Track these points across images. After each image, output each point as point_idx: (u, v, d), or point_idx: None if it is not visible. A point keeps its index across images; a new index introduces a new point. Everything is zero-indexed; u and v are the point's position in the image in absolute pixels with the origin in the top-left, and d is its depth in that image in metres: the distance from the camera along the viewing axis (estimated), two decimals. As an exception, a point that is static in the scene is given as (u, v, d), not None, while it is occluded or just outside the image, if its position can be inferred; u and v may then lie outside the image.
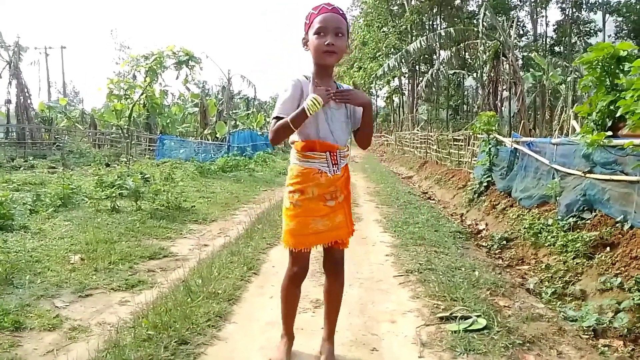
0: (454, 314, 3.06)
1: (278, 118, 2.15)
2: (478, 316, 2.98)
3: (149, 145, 23.09)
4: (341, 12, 2.19)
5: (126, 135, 16.04)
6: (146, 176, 9.02)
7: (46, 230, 5.49)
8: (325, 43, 2.12)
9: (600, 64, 5.07)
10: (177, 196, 7.68)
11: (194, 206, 7.74)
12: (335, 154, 2.24)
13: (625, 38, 33.55)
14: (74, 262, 4.34)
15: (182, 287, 3.54)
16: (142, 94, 15.36)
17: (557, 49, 37.20)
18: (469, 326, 2.86)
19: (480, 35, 17.65)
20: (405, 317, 3.18)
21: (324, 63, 2.20)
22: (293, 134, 2.22)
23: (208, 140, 23.62)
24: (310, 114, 2.07)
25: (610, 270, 4.07)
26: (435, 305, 3.29)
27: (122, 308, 3.34)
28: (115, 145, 23.52)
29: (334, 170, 2.25)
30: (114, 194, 7.03)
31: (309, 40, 2.19)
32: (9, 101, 23.90)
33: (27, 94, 23.88)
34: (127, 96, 15.47)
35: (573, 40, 35.30)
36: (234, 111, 30.43)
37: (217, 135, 23.26)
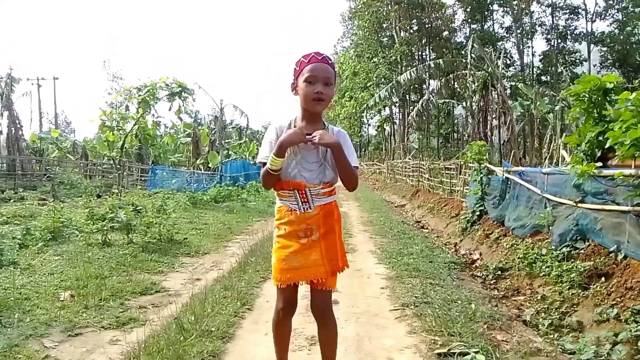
0: (452, 350, 3.02)
1: (263, 163, 2.28)
2: (476, 352, 2.94)
3: (140, 176, 23.01)
4: (330, 61, 2.29)
5: (118, 166, 15.99)
6: (138, 208, 8.95)
7: (36, 266, 5.40)
8: (315, 91, 2.22)
9: (587, 95, 5.18)
10: (169, 228, 7.61)
11: (186, 238, 7.66)
12: (304, 192, 2.27)
13: (610, 67, 34.35)
14: (64, 299, 4.25)
15: (175, 325, 3.46)
16: (134, 125, 15.40)
17: (544, 78, 37.89)
18: (468, 363, 2.82)
19: (469, 66, 18.00)
20: (402, 353, 3.13)
21: (312, 110, 2.30)
22: None
23: (200, 170, 23.60)
24: (271, 165, 2.19)
25: (606, 300, 4.06)
26: (432, 341, 3.24)
27: (112, 348, 3.26)
28: (107, 176, 23.44)
29: (304, 207, 2.28)
30: (105, 227, 6.95)
31: (298, 87, 2.28)
32: (-1, 132, 23.86)
33: (18, 125, 23.87)
34: (120, 127, 15.50)
35: (559, 70, 36.06)
36: (227, 141, 30.57)
37: (210, 165, 23.24)
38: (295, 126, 2.33)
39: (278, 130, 2.31)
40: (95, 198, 13.27)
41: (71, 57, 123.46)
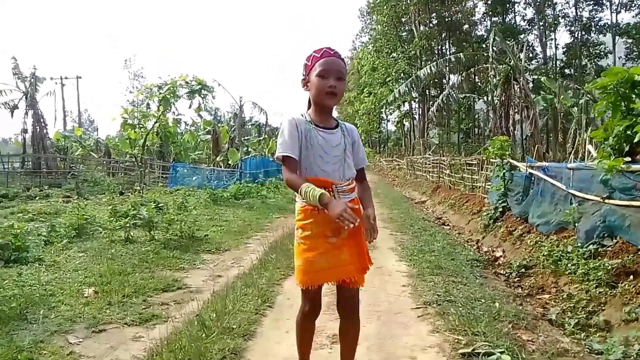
0: (476, 350, 2.96)
1: (284, 157, 2.19)
2: (502, 352, 2.88)
3: (162, 173, 23.30)
4: (341, 57, 2.29)
5: (140, 163, 16.18)
6: (159, 205, 9.05)
7: (60, 262, 5.49)
8: (328, 86, 2.20)
9: (614, 88, 5.03)
10: (190, 225, 7.67)
11: (207, 235, 7.71)
12: (331, 189, 2.21)
13: (636, 60, 33.45)
14: (88, 295, 4.32)
15: (196, 322, 3.48)
16: (155, 123, 15.56)
17: (567, 71, 37.11)
18: (493, 363, 2.76)
19: (490, 59, 17.71)
20: (425, 353, 3.08)
21: (325, 104, 2.27)
22: None
23: (220, 167, 23.76)
24: (310, 201, 2.10)
25: (634, 299, 3.95)
26: (456, 340, 3.19)
27: (135, 344, 3.29)
28: (129, 173, 23.77)
29: None
30: (127, 224, 7.04)
31: (310, 81, 2.26)
32: (25, 131, 24.39)
33: (43, 124, 24.40)
34: (141, 125, 15.69)
35: (583, 63, 35.30)
36: (246, 138, 30.70)
37: (229, 162, 23.40)
38: (311, 119, 2.29)
39: (294, 123, 2.24)
40: (118, 195, 13.48)
41: (94, 56, 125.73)
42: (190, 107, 14.71)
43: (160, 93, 14.07)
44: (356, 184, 2.41)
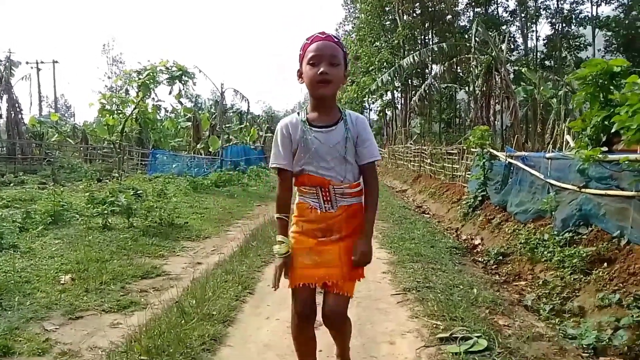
0: (454, 335, 3.00)
1: (277, 169, 2.10)
2: (479, 337, 2.93)
3: (141, 160, 22.98)
4: (336, 40, 2.05)
5: (118, 150, 15.95)
6: (138, 192, 8.93)
7: (36, 249, 5.39)
8: (319, 72, 1.96)
9: (593, 79, 5.10)
10: (170, 212, 7.60)
11: (187, 222, 7.66)
12: (327, 189, 2.05)
13: (614, 52, 33.98)
14: (65, 282, 4.25)
15: (176, 309, 3.45)
16: (134, 109, 15.33)
17: (547, 63, 37.54)
18: (470, 347, 2.81)
19: (472, 50, 17.81)
20: (404, 338, 3.12)
21: (318, 94, 2.03)
22: (295, 167, 2.12)
23: (201, 154, 23.55)
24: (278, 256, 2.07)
25: (608, 286, 4.04)
26: (434, 326, 3.23)
27: (113, 331, 3.25)
28: (107, 160, 23.41)
29: (325, 207, 2.07)
30: (105, 211, 6.93)
31: (303, 72, 2.05)
32: (-1, 116, 23.78)
33: (18, 109, 23.79)
34: (120, 111, 15.44)
35: (563, 55, 35.74)
36: (227, 125, 30.46)
37: (210, 150, 23.20)
38: (306, 119, 2.07)
39: (285, 130, 2.07)
40: (96, 182, 13.25)
41: (71, 41, 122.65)
42: (170, 93, 14.56)
43: (139, 79, 13.85)
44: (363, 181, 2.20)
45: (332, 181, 2.05)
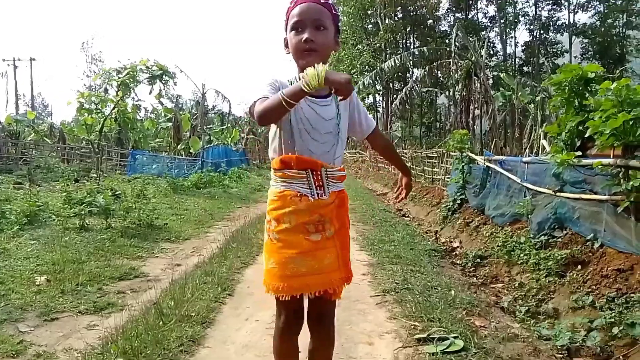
0: (431, 335, 3.04)
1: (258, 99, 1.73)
2: (455, 337, 2.97)
3: (120, 160, 22.67)
4: (324, 1, 1.79)
5: (97, 150, 15.70)
6: (117, 193, 8.82)
7: (11, 250, 5.27)
8: (303, 40, 1.73)
9: (568, 85, 5.22)
10: (149, 214, 7.51)
11: (167, 224, 7.58)
12: (319, 173, 1.79)
13: (590, 59, 34.85)
14: (40, 283, 4.17)
15: (154, 310, 3.42)
16: (113, 108, 15.13)
17: (525, 68, 38.30)
18: (447, 348, 2.85)
19: (452, 54, 18.05)
20: (382, 338, 3.15)
21: (304, 64, 1.73)
22: (270, 150, 1.88)
23: (181, 155, 23.33)
24: (310, 88, 1.55)
25: (581, 288, 4.14)
26: (412, 327, 3.27)
27: (90, 333, 3.20)
28: (85, 160, 23.00)
29: (317, 193, 1.79)
30: (82, 212, 6.82)
31: (288, 39, 1.81)
32: (-26, 114, 23.19)
33: (-7, 107, 23.25)
34: (98, 110, 15.23)
35: (541, 61, 36.53)
36: (209, 126, 30.23)
37: (191, 151, 23.00)
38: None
39: (278, 82, 1.79)
40: (73, 182, 13.02)
41: (49, 38, 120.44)
42: (150, 93, 14.41)
43: (119, 77, 13.68)
44: (377, 150, 2.12)
45: (324, 162, 1.80)
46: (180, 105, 46.05)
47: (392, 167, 20.01)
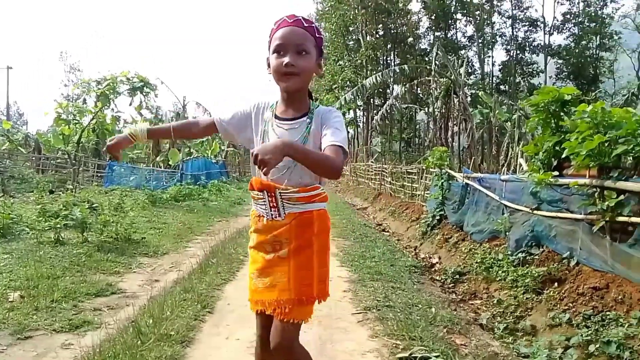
0: (413, 355, 3.05)
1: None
2: (437, 356, 2.98)
3: (97, 172, 22.28)
4: (306, 24, 1.79)
5: (73, 161, 15.44)
6: (94, 205, 8.66)
7: (-18, 264, 5.12)
8: (284, 64, 1.75)
9: (546, 106, 5.36)
10: (126, 227, 7.38)
11: (145, 238, 7.46)
12: (273, 194, 1.80)
13: (565, 79, 35.89)
14: (13, 299, 4.04)
15: (132, 328, 3.35)
16: (92, 119, 14.93)
17: (502, 87, 39.18)
18: (429, 367, 2.86)
19: (432, 72, 18.36)
20: (364, 357, 3.14)
21: (283, 87, 1.82)
22: None
23: (160, 167, 23.07)
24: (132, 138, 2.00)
25: (558, 305, 4.21)
26: (394, 345, 3.27)
27: (65, 352, 3.12)
28: (61, 171, 22.55)
29: (272, 214, 1.82)
30: (58, 225, 6.67)
31: (270, 61, 1.83)
32: (-54, 122, 22.60)
33: (-34, 116, 22.70)
34: (77, 121, 15.01)
35: (517, 80, 37.44)
36: (188, 138, 29.98)
37: (170, 163, 22.78)
38: (274, 113, 1.88)
39: (255, 108, 1.91)
40: (48, 194, 12.74)
41: (26, 46, 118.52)
42: (131, 104, 14.28)
43: (99, 88, 13.54)
44: None
45: (278, 184, 1.79)
46: (160, 117, 45.61)
47: (372, 181, 20.16)
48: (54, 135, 20.07)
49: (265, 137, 1.85)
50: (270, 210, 1.83)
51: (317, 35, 1.83)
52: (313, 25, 1.83)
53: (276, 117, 1.86)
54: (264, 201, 1.84)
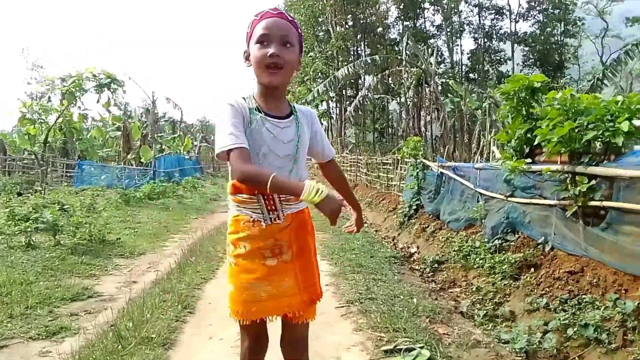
0: (398, 347, 3.07)
1: (234, 150, 1.63)
2: (421, 347, 3.01)
3: (66, 171, 21.71)
4: (290, 18, 1.77)
5: (41, 161, 14.99)
6: (65, 207, 8.43)
7: (-51, 273, 4.93)
8: (269, 54, 1.69)
9: (516, 94, 5.44)
10: (100, 228, 7.22)
11: (120, 239, 7.31)
12: (271, 197, 1.73)
13: (532, 66, 36.54)
14: (-16, 309, 3.91)
15: (111, 333, 3.28)
16: (58, 118, 14.52)
17: (472, 75, 39.66)
18: (414, 359, 2.88)
19: (403, 63, 18.44)
20: (350, 352, 3.15)
21: (266, 81, 1.74)
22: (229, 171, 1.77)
23: (132, 165, 22.62)
24: (303, 198, 1.56)
25: (535, 290, 4.30)
26: (378, 338, 3.29)
27: (43, 361, 3.04)
28: (28, 172, 21.89)
29: (271, 218, 1.75)
30: (28, 228, 6.47)
31: (251, 53, 1.76)
32: None
33: None
34: (42, 120, 14.58)
35: (486, 68, 37.95)
36: (160, 134, 29.47)
37: (142, 160, 22.35)
38: (255, 106, 1.75)
39: (238, 108, 1.72)
40: (16, 196, 12.35)
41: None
42: (98, 101, 13.95)
43: (64, 86, 13.16)
44: (329, 179, 2.05)
45: None
46: (129, 113, 44.70)
47: (348, 172, 20.20)
48: (20, 136, 19.43)
49: (254, 131, 1.72)
50: (269, 214, 1.75)
51: (299, 32, 1.82)
52: (294, 20, 1.81)
53: (265, 113, 1.76)
54: (258, 205, 1.75)
